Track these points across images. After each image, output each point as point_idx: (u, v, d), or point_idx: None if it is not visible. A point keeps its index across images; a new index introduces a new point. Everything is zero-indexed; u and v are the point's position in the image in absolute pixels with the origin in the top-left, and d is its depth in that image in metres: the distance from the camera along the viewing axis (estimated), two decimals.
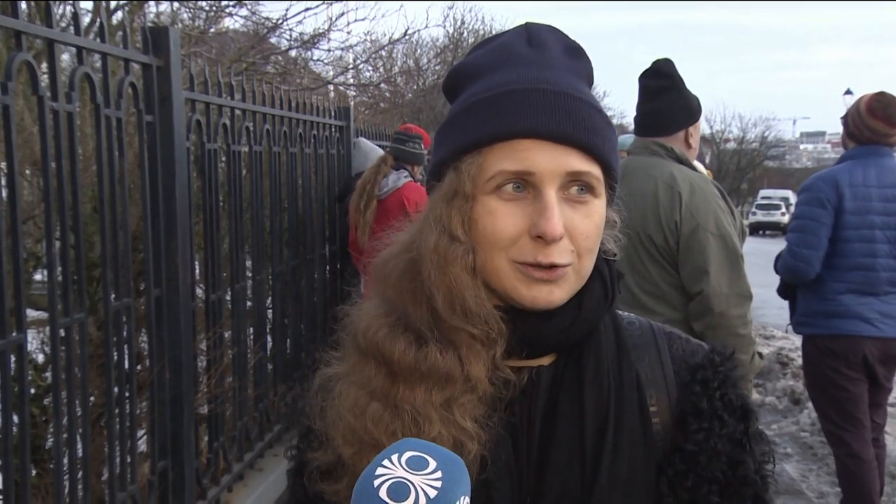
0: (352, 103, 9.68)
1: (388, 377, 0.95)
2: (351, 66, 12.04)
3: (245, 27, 8.66)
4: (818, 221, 3.73)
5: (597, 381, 0.98)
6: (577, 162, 0.93)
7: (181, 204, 3.15)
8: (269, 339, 4.38)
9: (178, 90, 3.13)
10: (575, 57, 1.00)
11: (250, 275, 4.11)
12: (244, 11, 8.08)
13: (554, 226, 0.90)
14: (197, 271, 3.60)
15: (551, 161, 0.92)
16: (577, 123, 0.93)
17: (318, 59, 10.98)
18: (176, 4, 7.44)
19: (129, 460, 2.82)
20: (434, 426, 0.91)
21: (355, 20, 17.35)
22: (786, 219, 30.12)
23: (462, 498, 0.77)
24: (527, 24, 1.01)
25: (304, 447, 1.01)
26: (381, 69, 14.61)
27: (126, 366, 2.85)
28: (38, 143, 2.47)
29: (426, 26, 19.30)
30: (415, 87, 15.76)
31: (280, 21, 8.31)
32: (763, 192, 41.68)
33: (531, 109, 0.93)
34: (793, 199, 32.20)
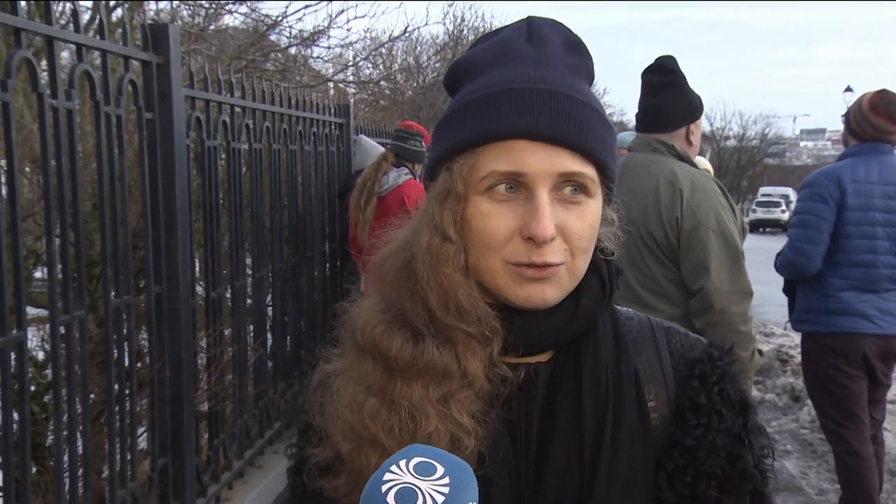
0: (352, 100, 9.69)
1: (385, 373, 0.95)
2: (351, 63, 12.03)
3: (245, 24, 8.65)
4: (820, 217, 3.73)
5: (595, 377, 0.98)
6: (571, 163, 0.93)
7: (181, 201, 3.15)
8: (269, 336, 4.39)
9: (177, 87, 3.13)
10: (575, 53, 0.99)
11: (250, 272, 4.11)
12: (244, 9, 8.08)
13: (545, 228, 0.90)
14: (197, 269, 3.60)
15: (544, 162, 0.92)
16: (571, 124, 0.92)
17: (317, 57, 10.99)
18: (176, 2, 7.44)
19: (129, 458, 2.82)
20: (431, 422, 0.91)
21: (355, 17, 17.34)
22: (786, 216, 30.12)
23: (469, 503, 0.77)
24: (528, 18, 1.00)
25: (304, 444, 1.02)
26: (381, 66, 14.60)
27: (126, 363, 2.85)
28: (38, 141, 2.47)
29: (426, 23, 19.31)
30: (415, 84, 15.75)
31: (280, 18, 8.31)
32: (763, 190, 41.68)
33: (524, 110, 0.92)
34: (793, 196, 32.19)
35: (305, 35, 9.08)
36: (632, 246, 2.87)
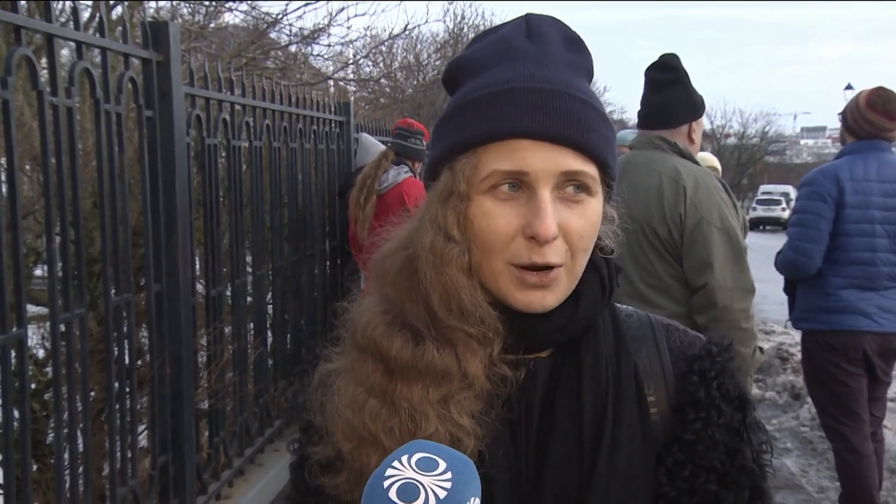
0: (352, 98, 9.69)
1: (385, 374, 0.95)
2: (351, 61, 12.02)
3: (245, 22, 8.65)
4: (819, 215, 3.73)
5: (595, 374, 0.99)
6: (573, 162, 0.93)
7: (181, 199, 3.15)
8: (269, 334, 4.39)
9: (178, 85, 3.13)
10: (575, 50, 0.99)
11: (250, 270, 4.11)
12: (244, 6, 8.08)
13: (547, 227, 0.90)
14: (197, 266, 3.60)
15: (546, 161, 0.92)
16: (573, 123, 0.92)
17: (317, 55, 10.98)
18: (176, 0, 7.43)
19: (129, 455, 2.82)
20: (431, 423, 0.92)
21: (355, 15, 17.31)
22: (786, 214, 30.08)
23: (472, 499, 0.77)
24: (527, 15, 1.00)
25: (305, 441, 1.02)
26: (382, 64, 14.59)
27: (126, 361, 2.85)
28: (38, 139, 2.47)
29: (426, 21, 19.35)
30: (415, 82, 15.75)
31: (280, 16, 8.31)
32: (763, 188, 41.67)
33: (526, 110, 0.92)
34: (793, 194, 32.13)
35: (306, 33, 9.08)
36: (634, 242, 2.88)
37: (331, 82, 10.98)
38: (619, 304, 1.09)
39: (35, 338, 3.11)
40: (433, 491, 0.76)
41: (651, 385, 1.02)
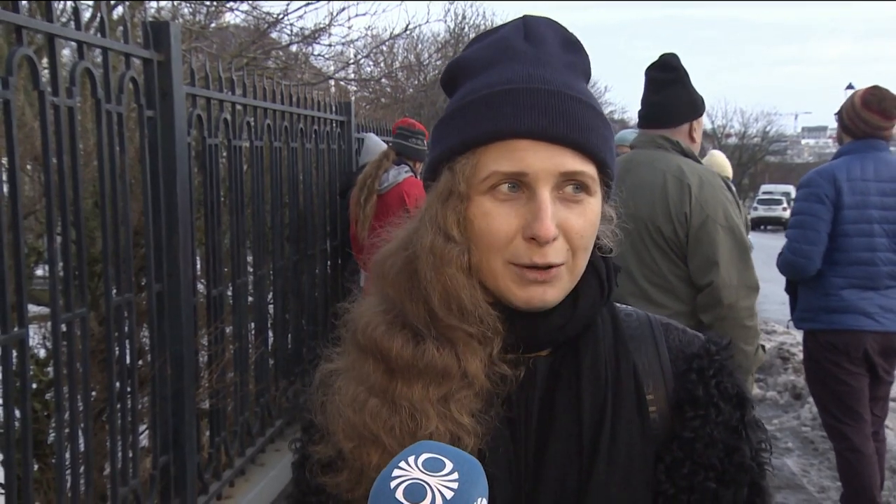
0: (353, 98, 9.68)
1: (386, 373, 0.96)
2: (352, 61, 12.02)
3: (246, 22, 8.66)
4: (817, 217, 3.73)
5: (594, 372, 0.99)
6: (572, 162, 0.93)
7: (182, 199, 3.15)
8: (270, 334, 4.39)
9: (178, 85, 3.13)
10: (572, 51, 1.00)
11: (251, 270, 4.11)
12: (245, 6, 8.09)
13: (547, 228, 0.91)
14: (198, 266, 3.60)
15: (545, 162, 0.92)
16: (572, 123, 0.93)
17: (318, 55, 10.98)
18: (176, 0, 7.43)
19: (130, 455, 2.82)
20: (431, 422, 0.92)
21: (356, 15, 17.29)
22: (787, 214, 30.08)
23: (479, 499, 0.78)
24: (525, 17, 1.01)
25: (306, 440, 1.02)
26: (382, 64, 14.59)
27: (128, 361, 2.85)
28: (39, 139, 2.47)
29: (427, 21, 19.35)
30: (416, 82, 15.75)
31: (281, 16, 8.31)
32: (764, 188, 41.66)
33: (525, 110, 0.92)
34: (794, 194, 32.18)
35: (306, 33, 9.08)
36: (638, 241, 2.89)
37: (332, 82, 10.98)
38: (618, 304, 1.10)
39: (36, 337, 3.11)
40: (440, 491, 0.76)
41: (650, 384, 1.02)
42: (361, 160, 5.75)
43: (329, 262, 5.49)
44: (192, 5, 7.64)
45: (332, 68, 11.39)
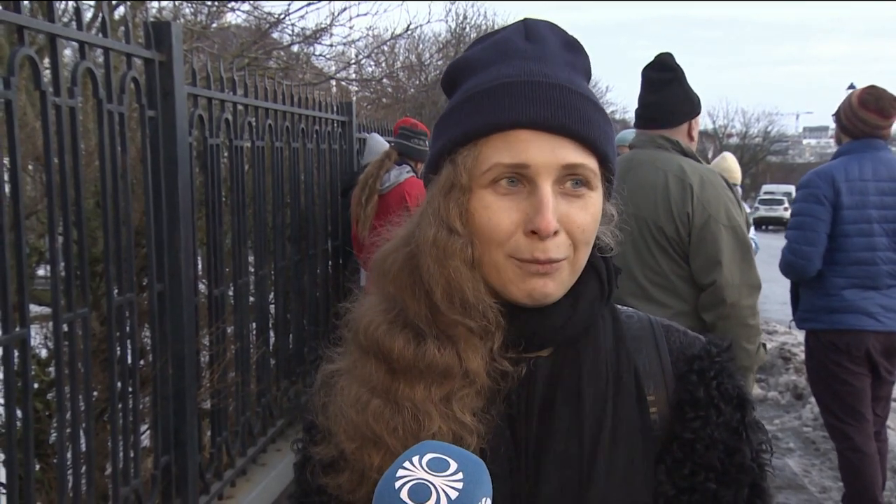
0: (354, 98, 9.68)
1: (388, 374, 0.96)
2: (353, 61, 12.03)
3: (247, 22, 8.66)
4: (816, 218, 3.74)
5: (595, 372, 0.99)
6: (573, 154, 0.93)
7: (184, 199, 3.15)
8: (271, 334, 4.39)
9: (180, 85, 3.13)
10: (572, 51, 1.01)
11: (253, 270, 4.11)
12: (246, 6, 8.09)
13: (549, 222, 0.91)
14: (199, 266, 3.60)
15: (547, 154, 0.92)
16: (573, 115, 0.93)
17: (320, 55, 10.98)
18: (178, 0, 7.44)
19: (132, 455, 2.82)
20: (434, 422, 0.92)
21: (357, 15, 17.35)
22: (788, 214, 30.03)
23: (483, 499, 0.78)
24: (525, 19, 1.02)
25: (308, 441, 1.02)
26: (384, 64, 14.59)
27: (129, 361, 2.85)
28: (41, 139, 2.47)
29: (428, 21, 19.35)
30: (417, 82, 15.75)
31: (282, 16, 8.31)
32: (766, 188, 41.69)
33: (527, 100, 0.93)
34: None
35: (308, 33, 9.08)
36: (640, 241, 2.89)
37: (333, 82, 10.98)
38: (620, 306, 1.10)
39: (38, 337, 3.11)
40: (444, 491, 0.76)
41: (651, 385, 1.03)
42: (364, 160, 5.75)
43: (330, 262, 5.48)
44: (194, 5, 7.65)
45: (333, 68, 11.40)
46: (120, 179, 2.77)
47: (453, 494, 0.76)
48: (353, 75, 11.96)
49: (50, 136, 2.37)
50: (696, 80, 3.10)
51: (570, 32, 1.03)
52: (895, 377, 3.99)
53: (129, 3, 5.89)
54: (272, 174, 4.40)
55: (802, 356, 7.11)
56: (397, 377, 0.95)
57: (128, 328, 2.82)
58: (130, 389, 2.85)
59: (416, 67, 15.76)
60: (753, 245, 6.15)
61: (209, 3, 7.66)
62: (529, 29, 1.00)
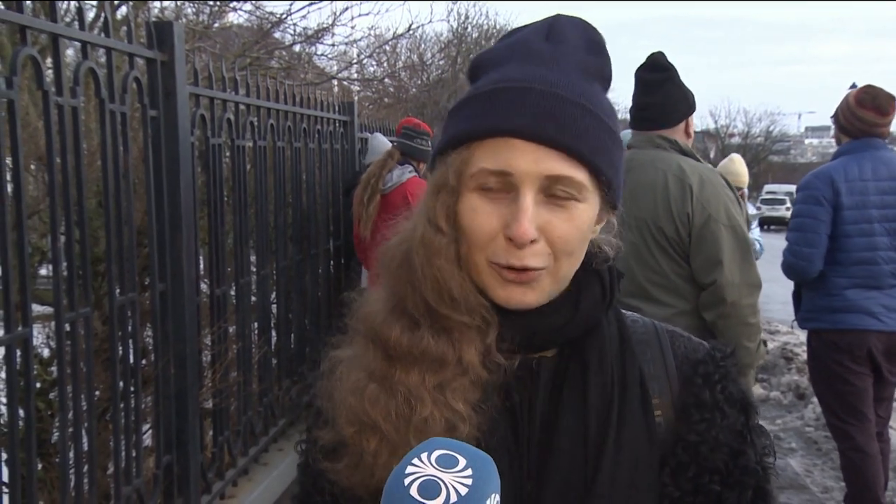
0: (356, 98, 9.69)
1: (385, 360, 0.97)
2: (355, 60, 12.03)
3: (249, 22, 8.67)
4: (816, 219, 3.74)
5: (601, 374, 1.00)
6: (559, 165, 0.93)
7: (186, 199, 3.15)
8: (273, 333, 4.39)
9: (182, 85, 3.13)
10: (593, 53, 0.99)
11: (255, 270, 4.11)
12: (248, 6, 8.10)
13: (524, 230, 0.91)
14: (201, 266, 3.60)
15: (530, 163, 0.92)
16: (561, 126, 0.92)
17: (321, 54, 10.99)
18: (180, 0, 7.44)
19: (134, 454, 2.83)
20: (426, 407, 0.93)
21: (359, 15, 17.29)
22: (790, 214, 30.00)
23: (492, 495, 0.78)
24: (555, 16, 1.01)
25: (312, 425, 1.04)
26: (385, 64, 14.60)
27: (131, 360, 2.85)
28: (43, 138, 2.47)
29: (430, 21, 19.36)
30: (419, 81, 15.76)
31: (284, 16, 8.32)
32: (767, 188, 41.67)
33: (516, 109, 0.93)
34: None
35: (310, 33, 9.09)
36: (640, 241, 2.89)
37: (335, 82, 10.99)
38: (624, 311, 1.10)
39: (40, 337, 3.11)
40: (454, 487, 0.76)
41: (655, 388, 1.03)
42: (366, 159, 5.75)
43: (332, 262, 5.49)
44: (196, 5, 7.66)
45: (335, 68, 11.41)
46: (122, 179, 2.77)
47: (463, 490, 0.76)
48: (355, 75, 11.97)
49: (52, 136, 2.38)
50: (697, 79, 3.13)
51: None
52: None
53: (131, 3, 5.90)
54: (274, 174, 4.40)
55: (804, 356, 7.10)
56: (394, 363, 0.97)
57: (130, 328, 2.83)
58: (132, 389, 2.85)
59: (417, 67, 15.77)
60: (758, 246, 6.15)
61: (211, 2, 7.67)
62: (553, 27, 0.99)
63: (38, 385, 2.91)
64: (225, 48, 7.66)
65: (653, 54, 3.12)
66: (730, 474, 0.99)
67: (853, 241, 3.72)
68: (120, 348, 2.77)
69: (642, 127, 3.09)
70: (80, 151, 2.53)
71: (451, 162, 0.97)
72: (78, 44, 2.62)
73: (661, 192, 2.88)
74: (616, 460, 0.96)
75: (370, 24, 31.34)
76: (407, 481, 0.77)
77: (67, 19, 4.67)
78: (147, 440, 3.18)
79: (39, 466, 2.81)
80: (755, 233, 6.57)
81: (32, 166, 3.55)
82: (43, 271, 3.59)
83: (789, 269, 3.89)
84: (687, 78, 3.13)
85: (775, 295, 10.13)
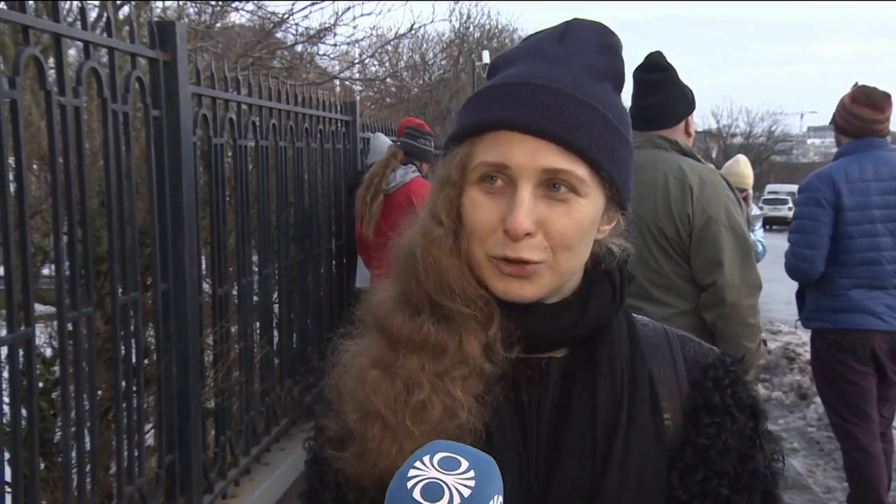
0: (358, 98, 9.69)
1: (389, 348, 0.99)
2: (357, 60, 12.04)
3: (251, 22, 8.67)
4: (817, 221, 3.74)
5: (610, 375, 1.00)
6: (556, 159, 0.93)
7: (188, 199, 3.15)
8: (275, 333, 4.39)
9: (184, 85, 3.13)
10: (605, 54, 1.00)
11: (257, 269, 4.11)
12: (250, 6, 8.11)
13: (519, 223, 0.92)
14: (204, 266, 3.60)
15: (527, 156, 0.93)
16: (558, 119, 0.93)
17: (323, 54, 11.01)
18: (182, 0, 7.45)
19: (136, 454, 2.83)
20: (423, 390, 0.94)
21: (361, 15, 17.39)
22: (792, 213, 30.01)
23: (495, 497, 0.78)
24: (573, 19, 1.02)
25: (320, 416, 1.04)
26: (387, 64, 14.61)
27: (133, 360, 2.85)
28: (46, 138, 2.47)
29: (432, 21, 19.38)
30: (420, 81, 15.77)
31: (286, 16, 8.33)
32: (770, 187, 41.65)
33: (515, 103, 0.94)
34: None
35: (312, 32, 9.10)
36: (640, 242, 2.89)
37: (337, 82, 11.00)
38: (635, 315, 1.11)
39: (43, 337, 3.11)
40: (457, 489, 0.76)
41: (665, 391, 1.03)
42: (368, 159, 5.75)
43: (334, 262, 5.49)
44: (198, 5, 7.66)
45: (337, 68, 11.42)
46: (124, 179, 2.78)
47: (466, 493, 0.76)
48: (357, 75, 11.97)
49: (55, 136, 2.38)
50: (699, 79, 3.13)
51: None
52: None
53: (133, 2, 5.90)
54: (276, 173, 4.40)
55: (806, 356, 7.10)
56: (396, 351, 0.98)
57: (132, 327, 2.83)
58: (135, 388, 2.85)
59: (419, 67, 15.78)
60: (760, 247, 6.14)
61: (213, 2, 7.67)
62: (567, 30, 1.00)
63: (40, 385, 2.91)
64: (227, 48, 7.67)
65: (651, 54, 3.11)
66: (738, 478, 0.99)
67: (856, 242, 3.72)
68: (122, 348, 2.77)
69: (642, 127, 3.08)
70: (83, 151, 2.53)
71: (454, 156, 0.98)
72: (80, 44, 2.63)
73: (661, 193, 2.88)
74: (624, 461, 0.96)
75: (372, 24, 31.34)
76: (410, 484, 0.77)
77: (70, 19, 4.68)
78: (149, 440, 3.18)
79: (42, 466, 2.81)
80: (758, 234, 6.56)
81: (35, 166, 3.56)
82: (45, 271, 3.59)
83: (791, 270, 3.89)
84: (688, 78, 3.12)
85: (777, 295, 10.13)
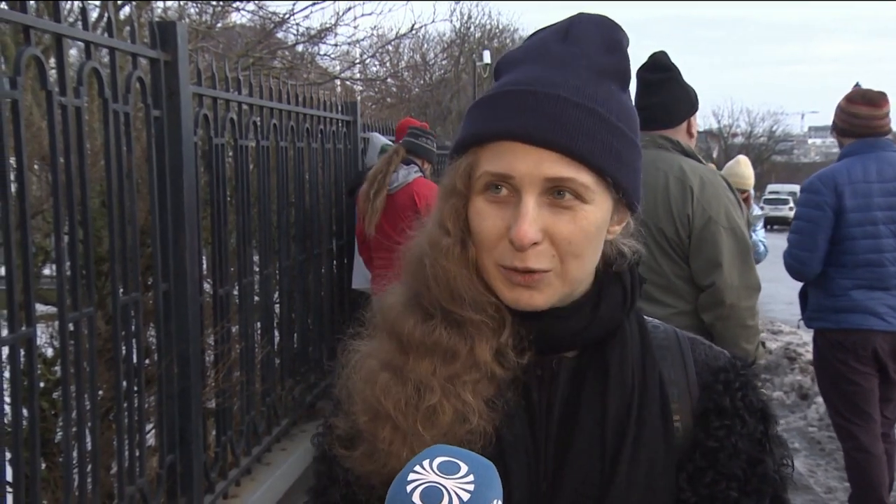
0: (358, 98, 9.69)
1: (399, 351, 0.98)
2: (358, 60, 12.04)
3: (252, 22, 8.67)
4: (814, 224, 3.75)
5: (621, 376, 1.00)
6: (560, 168, 0.92)
7: (189, 199, 3.16)
8: (276, 333, 4.39)
9: (185, 85, 3.14)
10: (609, 53, 0.98)
11: (258, 269, 4.11)
12: (251, 6, 8.10)
13: (524, 233, 0.91)
14: (204, 266, 3.61)
15: (531, 166, 0.92)
16: (561, 127, 0.92)
17: (324, 54, 11.02)
18: (183, 0, 7.45)
19: (137, 454, 2.83)
20: (435, 394, 0.94)
21: (362, 15, 17.36)
22: (793, 213, 30.01)
23: (494, 501, 0.78)
24: (577, 15, 1.01)
25: (330, 414, 1.05)
26: (388, 64, 14.61)
27: (134, 360, 2.86)
28: (47, 138, 2.47)
29: (433, 21, 19.39)
30: (421, 81, 15.77)
31: (287, 16, 8.33)
32: (770, 187, 41.65)
33: (518, 112, 0.93)
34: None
35: (312, 33, 9.10)
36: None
37: (337, 82, 11.00)
38: (646, 318, 1.11)
39: (44, 337, 3.12)
40: (456, 494, 0.76)
41: (675, 393, 1.03)
42: (367, 159, 5.75)
43: (335, 262, 5.49)
44: (199, 5, 7.67)
45: (337, 68, 11.42)
46: (125, 179, 2.78)
47: (465, 497, 0.76)
48: (358, 75, 11.98)
49: (56, 136, 2.38)
50: (699, 79, 3.13)
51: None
52: None
53: (134, 3, 5.91)
54: (277, 173, 4.41)
55: (808, 356, 7.09)
56: (407, 354, 0.98)
57: (133, 327, 2.83)
58: (136, 388, 2.85)
59: (420, 67, 15.78)
60: (762, 248, 6.13)
61: (214, 2, 7.68)
62: (571, 28, 0.99)
63: (41, 385, 2.92)
64: (228, 48, 7.67)
65: (654, 54, 3.11)
66: (747, 482, 0.99)
67: (858, 243, 3.72)
68: (123, 348, 2.77)
69: (644, 127, 3.06)
70: (84, 151, 2.53)
71: (458, 166, 0.98)
72: (81, 44, 2.63)
73: (661, 193, 2.88)
74: (633, 462, 0.96)
75: (373, 24, 31.35)
76: (409, 488, 0.77)
77: (71, 19, 4.68)
78: (150, 440, 3.18)
79: (43, 466, 2.81)
80: (760, 234, 6.55)
81: (36, 166, 3.56)
82: (46, 271, 3.60)
83: (788, 269, 3.92)
84: (689, 78, 3.12)
85: (778, 295, 10.14)
